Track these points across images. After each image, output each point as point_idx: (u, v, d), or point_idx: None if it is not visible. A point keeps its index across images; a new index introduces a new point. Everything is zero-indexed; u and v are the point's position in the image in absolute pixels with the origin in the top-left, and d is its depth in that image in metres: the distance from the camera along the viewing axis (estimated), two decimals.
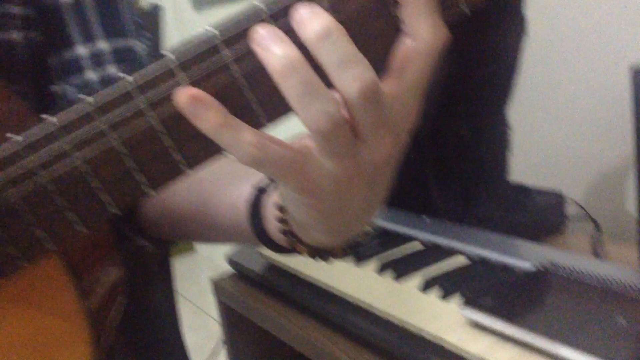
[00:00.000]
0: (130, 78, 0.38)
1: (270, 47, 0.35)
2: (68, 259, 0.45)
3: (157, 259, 0.78)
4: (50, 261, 0.45)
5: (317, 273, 0.79)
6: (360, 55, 0.35)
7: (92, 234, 0.40)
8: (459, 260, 0.78)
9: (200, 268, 2.86)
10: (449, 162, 0.89)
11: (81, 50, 0.66)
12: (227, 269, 0.94)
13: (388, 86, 0.37)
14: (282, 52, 0.35)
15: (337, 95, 0.35)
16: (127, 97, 0.38)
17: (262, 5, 0.36)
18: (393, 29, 0.37)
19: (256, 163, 0.36)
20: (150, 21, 1.10)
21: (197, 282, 2.55)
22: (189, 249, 3.01)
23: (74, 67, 0.66)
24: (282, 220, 0.45)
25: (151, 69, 0.38)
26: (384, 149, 0.37)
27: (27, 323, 0.45)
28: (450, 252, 0.80)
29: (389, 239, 0.87)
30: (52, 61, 0.66)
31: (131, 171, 0.39)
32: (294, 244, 0.45)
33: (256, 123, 0.38)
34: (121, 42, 0.68)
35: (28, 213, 0.41)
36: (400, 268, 0.77)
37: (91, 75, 0.66)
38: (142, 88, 0.38)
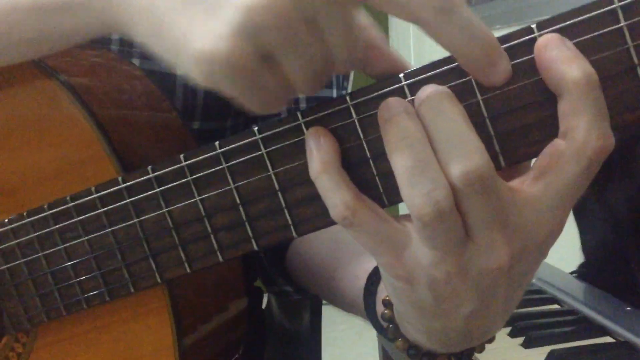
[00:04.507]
0: (255, 129, 0.38)
1: (392, 118, 0.32)
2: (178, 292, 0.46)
3: (310, 307, 0.77)
4: (157, 292, 0.45)
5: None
6: (473, 136, 0.30)
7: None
8: None
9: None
10: None
11: None
12: None
13: (520, 185, 0.31)
14: (401, 123, 0.31)
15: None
16: (252, 145, 0.38)
17: (400, 75, 0.34)
18: (548, 126, 0.31)
19: (344, 223, 0.33)
20: None
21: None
22: None
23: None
24: (387, 304, 0.40)
25: (280, 125, 0.37)
26: (497, 257, 0.31)
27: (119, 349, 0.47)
28: None
29: (581, 326, 0.77)
30: None
31: (242, 223, 0.39)
32: (392, 331, 0.40)
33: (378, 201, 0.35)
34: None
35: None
36: None
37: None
38: (267, 140, 0.38)
